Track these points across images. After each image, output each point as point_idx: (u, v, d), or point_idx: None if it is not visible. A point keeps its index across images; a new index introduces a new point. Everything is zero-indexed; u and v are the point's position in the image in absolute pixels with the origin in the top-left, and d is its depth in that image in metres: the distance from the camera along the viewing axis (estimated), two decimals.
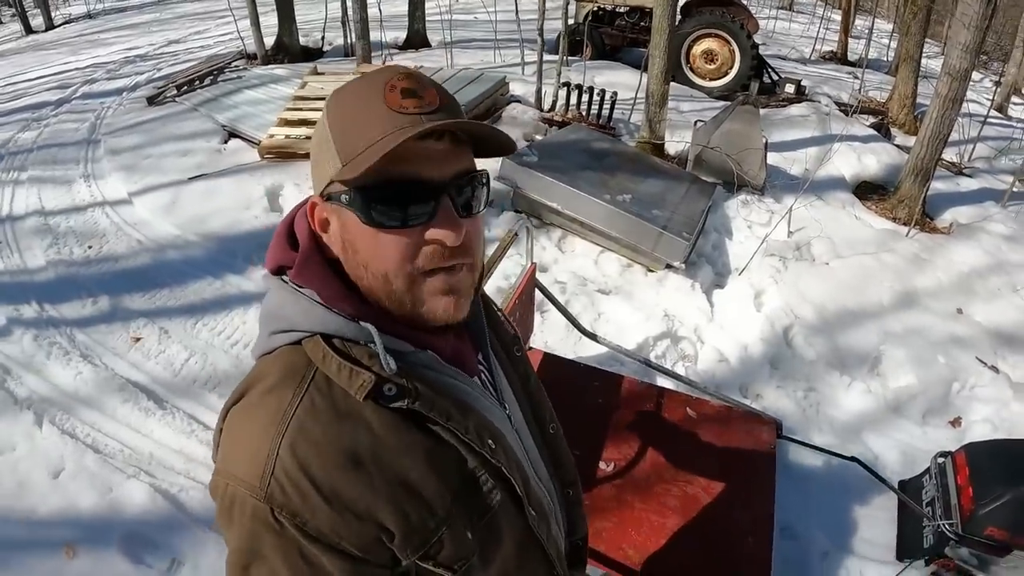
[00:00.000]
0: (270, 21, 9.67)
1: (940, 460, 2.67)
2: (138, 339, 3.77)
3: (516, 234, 2.61)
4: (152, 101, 7.36)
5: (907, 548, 2.60)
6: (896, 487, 2.74)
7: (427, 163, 0.72)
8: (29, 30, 15.67)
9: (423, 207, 0.73)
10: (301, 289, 0.77)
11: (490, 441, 0.81)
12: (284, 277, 0.79)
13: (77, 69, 9.93)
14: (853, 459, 2.68)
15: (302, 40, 10.10)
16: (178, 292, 4.18)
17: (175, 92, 7.49)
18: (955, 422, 3.41)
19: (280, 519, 0.68)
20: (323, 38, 10.69)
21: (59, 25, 16.17)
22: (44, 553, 2.53)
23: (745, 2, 11.03)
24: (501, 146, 0.79)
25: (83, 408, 3.26)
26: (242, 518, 0.70)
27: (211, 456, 0.78)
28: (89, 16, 16.79)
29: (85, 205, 5.29)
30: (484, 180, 0.78)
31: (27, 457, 2.95)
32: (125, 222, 5.01)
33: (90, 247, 4.71)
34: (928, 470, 2.73)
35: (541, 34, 6.78)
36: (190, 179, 5.46)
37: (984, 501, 2.31)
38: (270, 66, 8.87)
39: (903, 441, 3.26)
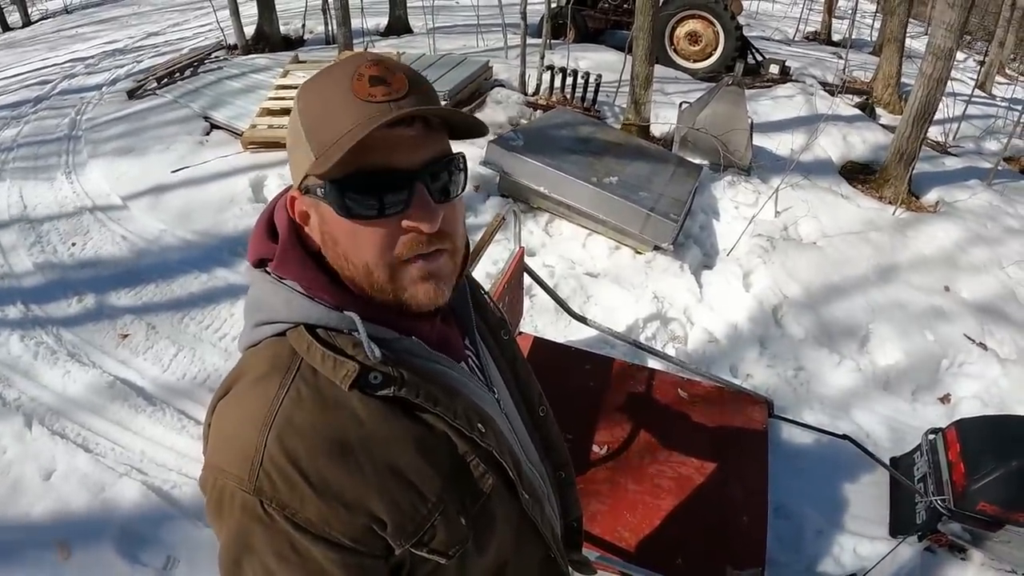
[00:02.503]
0: (250, 11, 9.54)
1: (931, 437, 2.69)
2: (125, 336, 3.73)
3: (503, 219, 2.60)
4: (132, 95, 7.26)
5: (900, 524, 2.63)
6: (888, 464, 2.76)
7: (399, 151, 0.71)
8: (6, 27, 15.40)
9: (397, 195, 0.71)
10: (283, 280, 0.76)
11: (480, 425, 0.81)
12: (267, 269, 0.78)
13: (56, 65, 9.76)
14: (844, 437, 2.71)
15: (283, 29, 9.97)
16: (164, 287, 4.13)
17: (155, 85, 7.40)
18: (944, 399, 3.44)
19: (270, 511, 0.68)
20: (304, 26, 10.56)
21: (36, 21, 15.89)
22: (40, 554, 2.50)
23: None
24: (472, 129, 0.78)
25: (72, 408, 3.22)
26: (232, 511, 0.70)
27: (201, 450, 0.78)
28: (66, 11, 16.49)
29: (68, 202, 5.22)
30: (460, 164, 0.77)
31: (18, 460, 2.91)
32: (108, 217, 4.95)
33: (74, 244, 4.65)
34: (919, 447, 2.75)
35: (524, 17, 6.73)
36: (173, 172, 5.39)
37: (976, 476, 2.33)
38: (251, 56, 8.76)
39: (893, 418, 3.28)
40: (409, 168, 0.71)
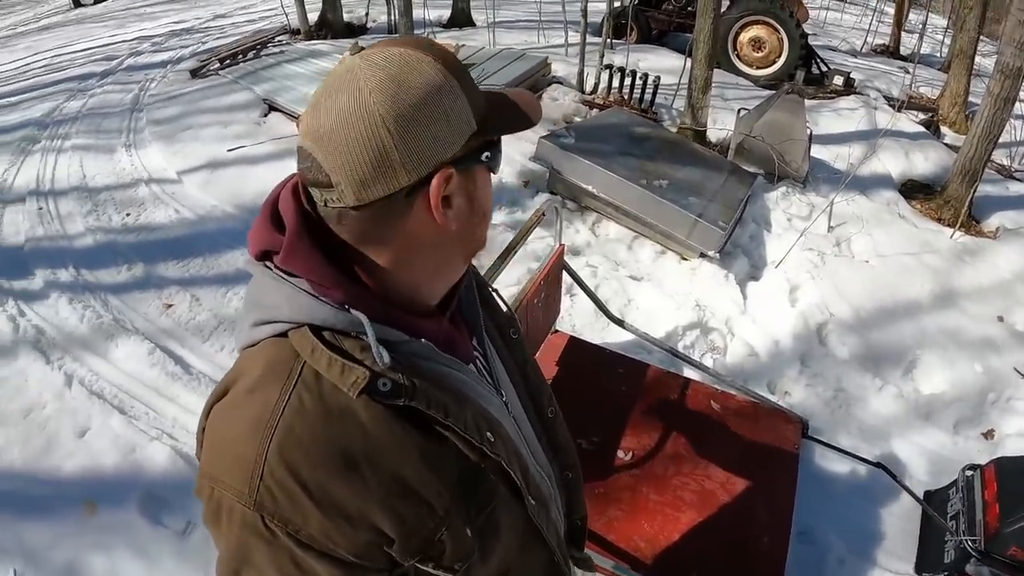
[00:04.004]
0: None
1: (968, 473, 2.56)
2: (169, 306, 3.83)
3: (543, 214, 2.57)
4: (195, 74, 7.45)
5: (927, 562, 2.51)
6: (921, 498, 2.65)
7: None
8: (78, 3, 15.95)
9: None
10: (288, 277, 0.71)
11: (489, 434, 0.78)
12: (268, 264, 0.73)
13: (123, 41, 10.10)
14: (879, 465, 2.61)
15: (346, 16, 10.09)
16: (211, 261, 4.24)
17: (218, 65, 7.57)
18: (988, 434, 3.29)
19: (271, 527, 0.66)
20: (367, 14, 10.67)
21: None
22: (67, 508, 2.60)
23: None
24: None
25: (111, 370, 3.34)
26: (231, 524, 0.68)
27: (195, 454, 0.75)
28: None
29: (125, 174, 5.39)
30: None
31: (55, 416, 3.04)
32: (164, 191, 5.10)
33: (128, 215, 4.80)
34: (955, 482, 2.62)
35: (584, 15, 6.68)
36: (229, 151, 5.52)
37: (1010, 519, 2.20)
38: (313, 41, 8.90)
39: (932, 450, 3.14)
40: None
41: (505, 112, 0.74)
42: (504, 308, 1.03)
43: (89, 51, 9.68)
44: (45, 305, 3.80)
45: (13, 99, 7.63)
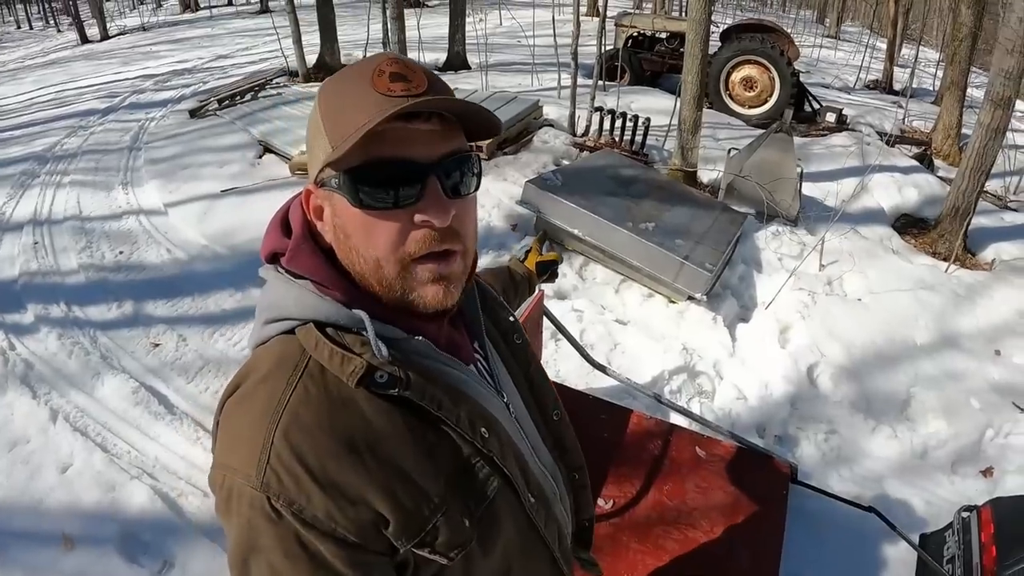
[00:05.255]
0: (313, 40, 9.85)
1: (964, 515, 2.49)
2: (156, 344, 3.82)
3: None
4: (194, 114, 7.56)
5: None
6: (916, 542, 2.58)
7: (415, 144, 0.72)
8: (85, 39, 16.32)
9: (410, 188, 0.73)
10: (295, 276, 0.77)
11: (483, 430, 0.80)
12: (279, 267, 0.80)
13: (127, 79, 10.27)
14: (870, 509, 2.56)
15: (343, 59, 10.23)
16: (200, 301, 4.25)
17: (216, 106, 7.67)
18: (987, 472, 3.23)
19: (277, 507, 0.68)
20: (364, 57, 10.80)
21: (114, 36, 16.80)
22: (44, 544, 2.60)
23: (789, 30, 10.88)
24: (488, 126, 0.79)
25: (96, 407, 3.34)
26: (239, 508, 0.70)
27: (211, 448, 0.79)
28: (143, 28, 17.41)
29: (121, 211, 5.44)
30: (476, 163, 0.79)
31: (39, 451, 3.05)
32: (157, 230, 5.13)
33: (121, 252, 4.82)
34: (951, 524, 2.55)
35: (575, 57, 6.77)
36: (222, 191, 5.56)
37: (1007, 563, 2.13)
38: (310, 84, 9.02)
39: (929, 491, 3.08)
40: (424, 161, 0.73)
41: (348, 141, 0.70)
42: (507, 315, 1.05)
43: (94, 87, 9.86)
44: (35, 340, 3.81)
45: (16, 132, 7.78)
